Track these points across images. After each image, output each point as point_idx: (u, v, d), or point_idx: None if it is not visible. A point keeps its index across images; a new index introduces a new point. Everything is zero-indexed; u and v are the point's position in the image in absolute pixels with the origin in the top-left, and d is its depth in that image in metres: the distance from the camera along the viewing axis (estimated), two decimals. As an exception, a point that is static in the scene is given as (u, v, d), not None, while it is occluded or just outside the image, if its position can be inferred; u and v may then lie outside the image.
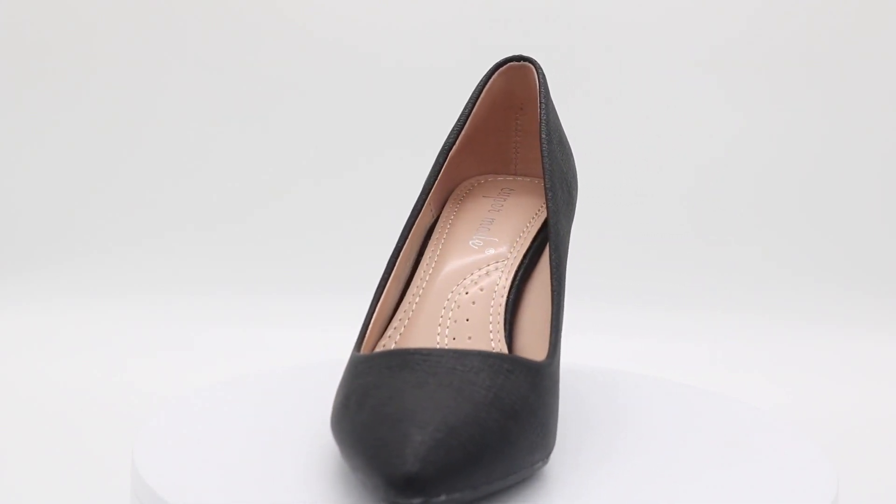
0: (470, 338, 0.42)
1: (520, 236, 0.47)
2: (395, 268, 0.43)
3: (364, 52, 0.98)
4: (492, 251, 0.46)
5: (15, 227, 0.99)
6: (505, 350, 0.42)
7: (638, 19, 0.96)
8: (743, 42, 0.96)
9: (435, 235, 0.47)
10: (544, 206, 0.48)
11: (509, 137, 0.50)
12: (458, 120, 0.46)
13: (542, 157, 0.43)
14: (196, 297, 0.96)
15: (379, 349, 0.42)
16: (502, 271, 0.45)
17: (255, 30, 0.98)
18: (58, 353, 0.89)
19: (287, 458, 0.39)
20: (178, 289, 0.96)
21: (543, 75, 0.46)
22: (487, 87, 0.47)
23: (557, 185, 0.44)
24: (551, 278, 0.40)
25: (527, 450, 0.34)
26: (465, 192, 0.50)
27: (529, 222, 0.48)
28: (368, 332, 0.41)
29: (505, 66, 0.47)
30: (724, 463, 0.40)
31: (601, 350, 0.81)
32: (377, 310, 0.42)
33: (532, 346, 0.42)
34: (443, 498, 0.31)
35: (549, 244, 0.41)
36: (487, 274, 0.45)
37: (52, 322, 0.94)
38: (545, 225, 0.47)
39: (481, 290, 0.44)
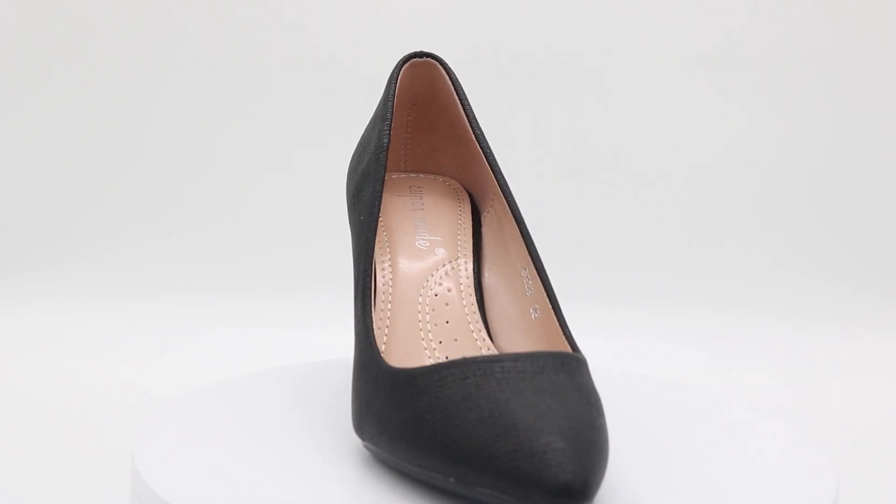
0: (456, 339, 0.42)
1: (459, 235, 0.47)
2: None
3: (353, 52, 0.98)
4: (442, 251, 0.46)
5: (18, 229, 0.99)
6: (493, 346, 0.42)
7: (636, 18, 0.96)
8: (742, 41, 0.96)
9: (377, 237, 0.46)
10: (461, 202, 0.48)
11: (400, 134, 0.49)
12: (386, 117, 0.44)
13: (485, 154, 0.44)
14: (196, 297, 0.96)
15: None
16: (460, 271, 0.45)
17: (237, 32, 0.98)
18: (59, 352, 0.89)
19: (287, 458, 0.39)
20: (178, 289, 0.96)
21: (453, 71, 0.46)
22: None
23: (505, 179, 0.44)
24: (539, 276, 0.41)
25: (609, 441, 0.35)
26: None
27: (460, 220, 0.48)
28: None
29: (408, 63, 0.46)
30: (723, 463, 0.40)
31: (599, 350, 0.80)
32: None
33: (520, 342, 0.42)
34: (593, 499, 0.31)
35: (525, 242, 0.42)
36: (447, 274, 0.45)
37: (53, 322, 0.94)
38: (475, 222, 0.48)
39: (448, 290, 0.44)
